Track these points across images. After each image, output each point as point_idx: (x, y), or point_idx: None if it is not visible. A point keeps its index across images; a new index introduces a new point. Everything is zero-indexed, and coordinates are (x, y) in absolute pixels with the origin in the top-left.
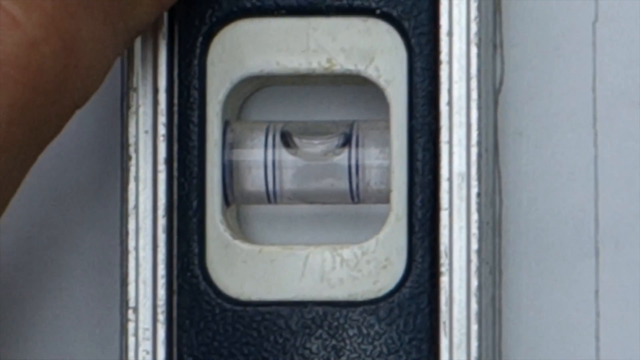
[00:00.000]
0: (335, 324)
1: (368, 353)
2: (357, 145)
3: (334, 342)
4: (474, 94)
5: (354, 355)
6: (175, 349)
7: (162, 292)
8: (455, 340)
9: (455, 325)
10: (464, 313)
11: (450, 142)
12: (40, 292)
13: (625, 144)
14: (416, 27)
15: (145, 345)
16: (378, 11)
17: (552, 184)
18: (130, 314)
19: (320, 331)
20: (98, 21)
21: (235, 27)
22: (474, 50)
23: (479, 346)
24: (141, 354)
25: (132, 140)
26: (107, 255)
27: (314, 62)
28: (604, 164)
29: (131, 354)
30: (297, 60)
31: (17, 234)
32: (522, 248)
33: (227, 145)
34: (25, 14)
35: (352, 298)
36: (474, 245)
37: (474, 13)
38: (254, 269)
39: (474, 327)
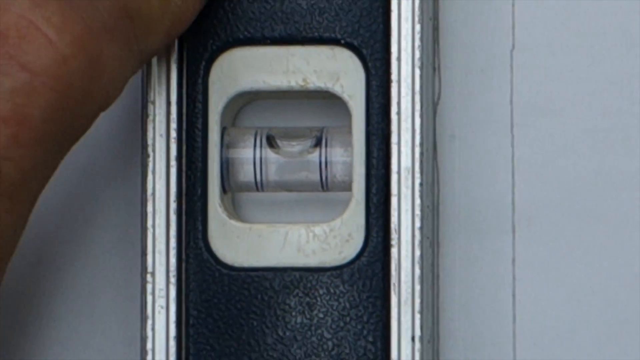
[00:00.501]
0: (309, 285)
1: (334, 308)
2: (325, 146)
3: (307, 299)
4: (417, 106)
5: (324, 309)
6: (183, 305)
7: (173, 261)
8: (403, 297)
9: (403, 286)
10: (410, 276)
11: (398, 143)
12: (77, 261)
13: (535, 145)
14: (372, 54)
15: (160, 302)
16: (343, 41)
17: (478, 176)
18: (149, 278)
19: (297, 291)
20: (117, 44)
21: (230, 53)
22: (417, 72)
23: (421, 302)
24: (157, 309)
25: (150, 142)
26: (130, 232)
27: (292, 81)
28: (519, 161)
29: (149, 308)
30: (279, 79)
31: (60, 214)
32: (454, 226)
33: (224, 145)
34: (58, 36)
35: (322, 265)
36: (417, 224)
37: (417, 42)
38: (245, 242)
39: (417, 287)
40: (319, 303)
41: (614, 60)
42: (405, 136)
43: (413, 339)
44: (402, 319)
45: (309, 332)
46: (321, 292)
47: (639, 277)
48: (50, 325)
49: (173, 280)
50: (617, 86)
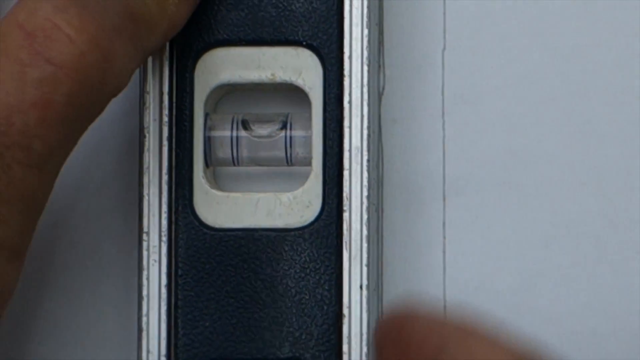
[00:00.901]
0: (276, 243)
1: (297, 262)
2: (290, 129)
3: (275, 255)
4: (365, 96)
5: (288, 263)
6: (173, 259)
7: (164, 222)
8: (353, 253)
9: (353, 244)
10: (359, 236)
11: (350, 127)
12: (86, 221)
13: (461, 128)
14: (329, 53)
15: (154, 256)
16: (304, 43)
17: (415, 154)
18: (144, 237)
19: (266, 247)
20: (124, 43)
21: (212, 53)
22: (365, 68)
23: (368, 257)
24: (151, 262)
25: (146, 125)
26: (129, 198)
27: (263, 76)
28: (448, 141)
29: (144, 262)
30: (252, 74)
31: (74, 182)
32: (395, 195)
33: (207, 128)
34: (77, 35)
35: (287, 226)
36: (365, 193)
37: (365, 44)
38: (223, 207)
39: (365, 245)
40: (284, 258)
41: (526, 60)
42: (355, 121)
43: (361, 287)
44: (352, 270)
45: (276, 282)
46: (286, 248)
47: (547, 236)
48: (58, 272)
49: (164, 238)
50: (528, 80)
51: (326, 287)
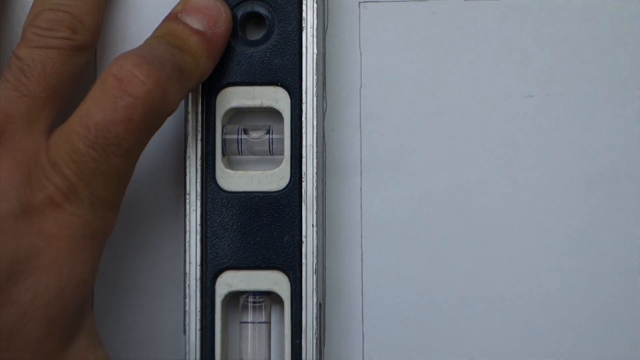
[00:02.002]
0: (264, 199)
1: (275, 209)
2: (271, 133)
3: (263, 206)
4: (315, 115)
5: (270, 210)
6: (203, 209)
7: (199, 188)
8: (308, 207)
9: (308, 200)
10: (312, 196)
11: (306, 132)
12: (153, 186)
13: (371, 133)
14: (293, 90)
15: (192, 207)
16: (280, 84)
17: (343, 147)
18: (187, 197)
19: (258, 202)
20: (175, 84)
21: (226, 89)
22: (315, 98)
23: (316, 208)
24: (190, 211)
25: (188, 131)
26: (178, 175)
27: (256, 103)
28: (363, 139)
29: (187, 210)
30: (249, 102)
31: (144, 168)
32: (331, 172)
33: (223, 133)
34: (147, 80)
35: (270, 190)
36: (315, 171)
37: (315, 84)
38: (233, 179)
39: (314, 201)
40: (268, 208)
41: (417, 95)
42: (309, 129)
43: (313, 225)
44: (307, 216)
45: (264, 221)
46: (269, 202)
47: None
48: (136, 217)
49: (199, 197)
50: (428, 104)
51: (293, 225)
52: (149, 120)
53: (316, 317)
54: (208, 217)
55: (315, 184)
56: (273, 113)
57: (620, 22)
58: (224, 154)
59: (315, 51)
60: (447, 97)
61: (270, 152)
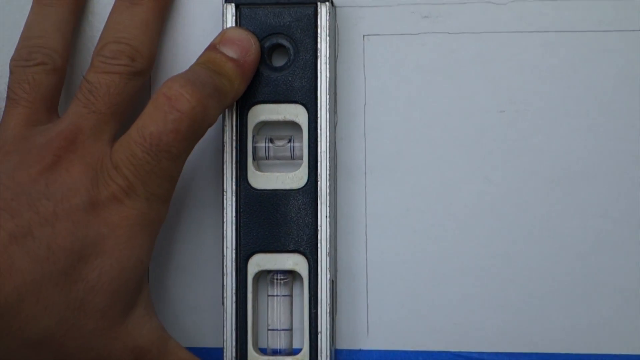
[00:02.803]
0: (286, 196)
1: (295, 204)
2: (292, 142)
3: (286, 201)
4: (328, 127)
5: (292, 204)
6: (237, 204)
7: (234, 186)
8: (322, 201)
9: (322, 197)
10: (325, 193)
11: (320, 141)
12: (198, 184)
13: (375, 141)
14: (310, 107)
15: (229, 202)
16: (299, 101)
17: (350, 153)
18: (224, 194)
19: (282, 198)
20: (214, 102)
21: (256, 106)
22: (328, 114)
23: (329, 203)
24: (227, 205)
25: (225, 140)
26: (217, 175)
27: (280, 117)
28: (367, 147)
29: (225, 204)
30: (274, 116)
31: (191, 170)
32: (341, 173)
33: (254, 142)
34: (191, 98)
35: (291, 188)
36: (328, 172)
37: (328, 102)
38: (261, 180)
39: (327, 198)
40: (290, 202)
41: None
42: (323, 138)
43: (326, 217)
44: (321, 209)
45: (286, 213)
46: (290, 198)
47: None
48: (187, 207)
49: (234, 194)
50: (420, 117)
51: (310, 216)
52: (193, 131)
53: (329, 291)
54: (241, 210)
55: (328, 183)
56: (294, 125)
57: (575, 53)
58: (254, 158)
59: (327, 75)
60: (435, 113)
61: (292, 157)
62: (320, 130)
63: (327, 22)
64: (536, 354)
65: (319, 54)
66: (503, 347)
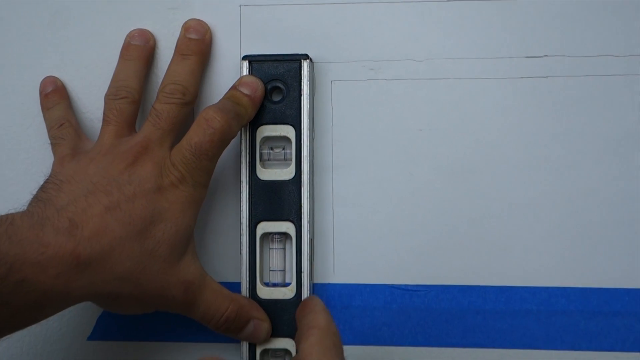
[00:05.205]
0: (282, 185)
1: (287, 190)
2: (285, 150)
3: (281, 189)
4: (309, 140)
5: (285, 191)
6: (250, 189)
7: (247, 177)
8: (304, 188)
9: (304, 186)
10: (306, 182)
11: (302, 149)
12: (223, 174)
13: (341, 147)
14: (296, 126)
15: (244, 187)
16: (289, 123)
17: (324, 155)
18: (241, 184)
19: (279, 186)
20: (235, 122)
21: (262, 126)
22: (308, 132)
23: (309, 191)
24: (243, 189)
25: (242, 148)
26: (236, 169)
27: (277, 133)
28: (334, 150)
29: (241, 189)
30: (274, 133)
31: (218, 166)
32: (317, 170)
33: (260, 149)
34: (221, 119)
35: (284, 179)
36: (308, 169)
37: (308, 123)
38: (265, 173)
39: (308, 186)
40: (283, 189)
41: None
42: (305, 147)
43: (307, 198)
44: (304, 192)
45: (281, 196)
46: (283, 187)
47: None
48: (213, 190)
49: (247, 183)
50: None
51: (296, 197)
52: (222, 141)
53: (309, 246)
54: (252, 193)
55: (308, 176)
56: (286, 139)
57: (468, 88)
58: (260, 160)
59: (308, 106)
60: (378, 129)
61: (284, 159)
62: (303, 141)
63: (308, 72)
64: (455, 286)
65: (302, 93)
66: (427, 281)
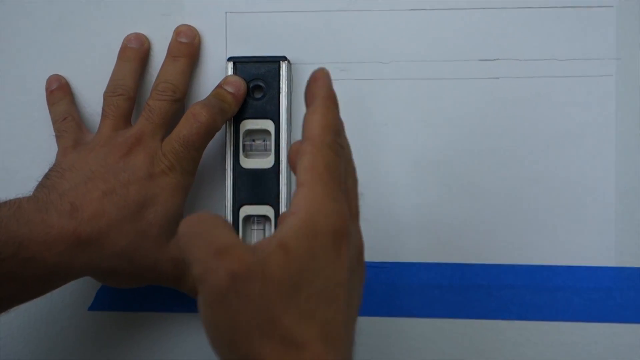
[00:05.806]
0: (263, 173)
1: (269, 177)
2: (265, 141)
3: (262, 175)
4: (287, 133)
5: (267, 176)
6: (234, 176)
7: (231, 166)
8: (282, 175)
9: (282, 173)
10: (284, 170)
11: (281, 140)
12: (209, 161)
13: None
14: (276, 120)
15: (228, 173)
16: (269, 118)
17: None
18: (226, 172)
19: (261, 173)
20: (220, 116)
21: (245, 120)
22: (286, 125)
23: (286, 178)
24: (227, 176)
25: (227, 139)
26: (220, 158)
27: (258, 126)
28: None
29: (226, 174)
30: (255, 126)
31: (205, 155)
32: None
33: (243, 140)
34: (207, 113)
35: (264, 167)
36: (285, 157)
37: (286, 118)
38: (247, 162)
39: (285, 169)
40: (265, 175)
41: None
42: (283, 139)
43: (285, 184)
44: (282, 180)
45: (263, 180)
46: (265, 173)
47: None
48: (200, 174)
49: (231, 170)
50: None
51: (275, 184)
52: (207, 134)
53: None
54: (235, 180)
55: (285, 165)
56: (266, 132)
57: (434, 85)
58: (243, 150)
59: (286, 103)
60: (347, 122)
61: (265, 150)
62: (282, 134)
63: (286, 72)
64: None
65: (281, 91)
66: (392, 259)
